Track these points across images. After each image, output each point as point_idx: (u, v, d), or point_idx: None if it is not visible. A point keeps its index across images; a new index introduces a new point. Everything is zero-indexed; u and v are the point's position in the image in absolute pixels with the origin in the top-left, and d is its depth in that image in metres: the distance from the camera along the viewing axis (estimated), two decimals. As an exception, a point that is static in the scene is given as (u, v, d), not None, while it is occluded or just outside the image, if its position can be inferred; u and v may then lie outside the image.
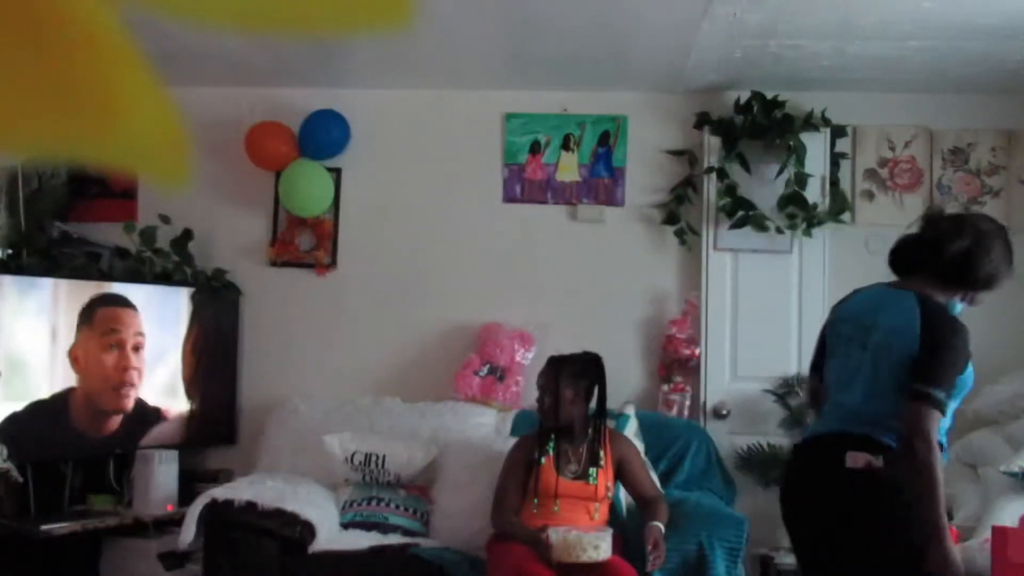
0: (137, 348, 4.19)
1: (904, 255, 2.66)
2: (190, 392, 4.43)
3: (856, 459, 2.48)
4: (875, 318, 2.59)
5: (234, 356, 4.68)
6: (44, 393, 3.91)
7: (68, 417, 3.97)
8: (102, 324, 4.10)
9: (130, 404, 4.17)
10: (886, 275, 3.80)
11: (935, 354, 2.45)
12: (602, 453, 3.61)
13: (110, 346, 4.11)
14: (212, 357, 4.56)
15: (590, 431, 3.63)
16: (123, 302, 4.20)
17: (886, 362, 2.52)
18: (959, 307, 2.65)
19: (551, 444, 3.61)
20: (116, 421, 4.14)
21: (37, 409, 3.87)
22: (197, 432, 4.50)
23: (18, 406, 3.82)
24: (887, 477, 2.46)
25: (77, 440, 4.02)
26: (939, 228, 2.59)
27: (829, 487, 2.56)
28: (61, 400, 3.95)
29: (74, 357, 3.97)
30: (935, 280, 2.57)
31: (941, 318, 2.51)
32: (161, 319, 4.35)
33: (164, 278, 4.46)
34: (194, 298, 4.46)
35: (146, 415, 4.24)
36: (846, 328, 2.68)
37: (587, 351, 3.73)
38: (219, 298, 4.60)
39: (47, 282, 4.00)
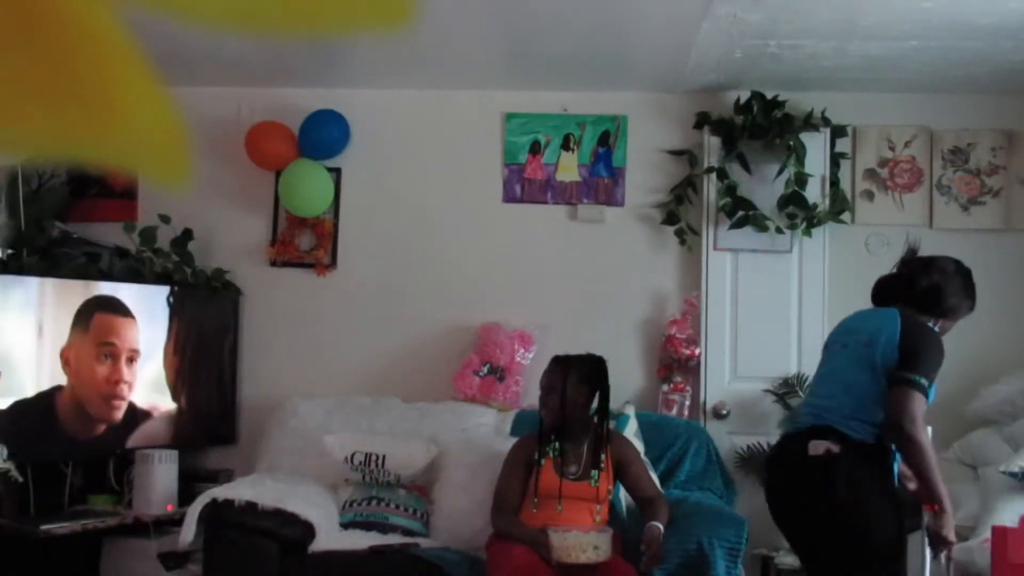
0: (131, 360, 4.14)
1: (883, 290, 3.09)
2: (177, 392, 4.38)
3: (817, 447, 2.80)
4: (860, 325, 3.00)
5: (234, 356, 4.68)
6: (29, 391, 3.85)
7: (55, 417, 3.91)
8: (98, 332, 4.05)
9: (119, 415, 4.12)
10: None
11: (916, 350, 2.81)
12: (603, 454, 3.60)
13: (104, 356, 4.06)
14: (210, 356, 4.56)
15: (591, 432, 3.63)
16: (123, 310, 4.15)
17: (865, 361, 2.86)
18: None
19: (553, 445, 3.61)
20: (103, 427, 4.08)
21: (21, 408, 3.82)
22: (197, 432, 4.50)
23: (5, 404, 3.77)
24: (844, 461, 2.76)
25: (68, 440, 3.98)
26: (912, 267, 3.04)
27: (795, 474, 2.89)
28: (47, 399, 3.89)
29: (65, 359, 3.92)
30: (911, 308, 2.97)
31: (920, 326, 2.90)
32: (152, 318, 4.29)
33: (165, 278, 4.46)
34: (172, 297, 4.36)
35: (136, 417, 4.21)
36: (834, 338, 3.08)
37: (591, 353, 3.73)
38: (210, 297, 4.59)
39: (35, 281, 3.96)
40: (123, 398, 4.14)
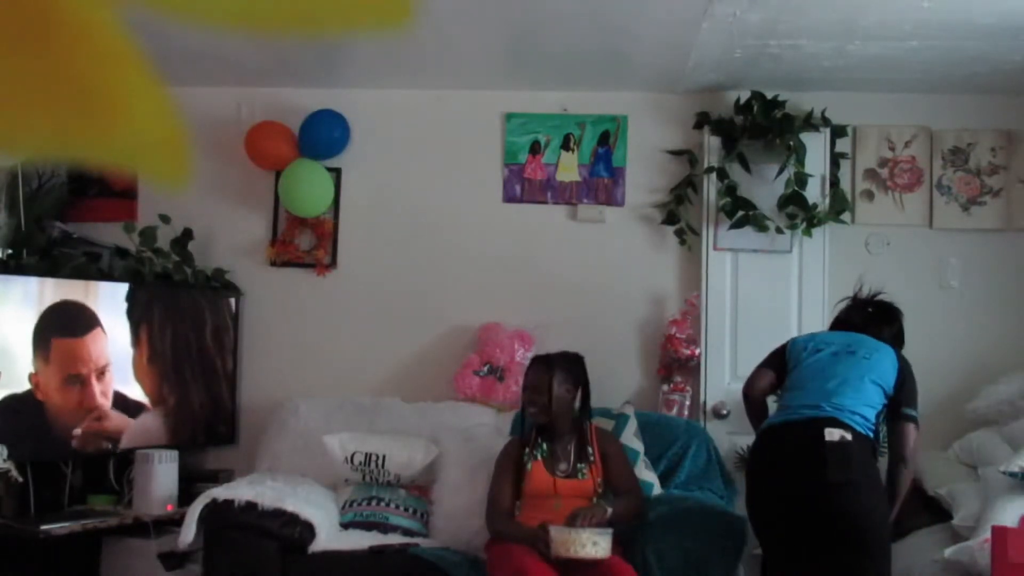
0: (103, 374, 4.06)
1: (852, 322, 3.52)
2: (165, 392, 4.34)
3: (832, 433, 3.12)
4: (853, 342, 3.37)
5: (234, 356, 4.67)
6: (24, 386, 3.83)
7: (46, 414, 3.88)
8: (61, 363, 3.94)
9: (105, 424, 4.07)
10: (885, 275, 3.91)
11: (912, 388, 3.30)
12: (591, 449, 3.63)
13: (72, 384, 3.97)
14: (208, 356, 4.56)
15: (576, 430, 3.66)
16: (82, 327, 4.03)
17: (867, 372, 3.25)
18: None
19: (541, 446, 3.63)
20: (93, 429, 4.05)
21: (13, 403, 3.79)
22: (197, 432, 4.50)
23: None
24: (856, 447, 3.12)
25: (62, 438, 3.96)
26: (883, 307, 3.56)
27: (811, 456, 3.11)
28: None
29: (35, 383, 3.84)
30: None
31: (910, 366, 3.34)
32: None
33: (164, 278, 4.46)
34: (131, 296, 4.25)
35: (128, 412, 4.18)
36: (831, 347, 3.37)
37: (567, 351, 3.77)
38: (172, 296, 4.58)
39: (35, 280, 3.94)
40: (103, 415, 4.08)
